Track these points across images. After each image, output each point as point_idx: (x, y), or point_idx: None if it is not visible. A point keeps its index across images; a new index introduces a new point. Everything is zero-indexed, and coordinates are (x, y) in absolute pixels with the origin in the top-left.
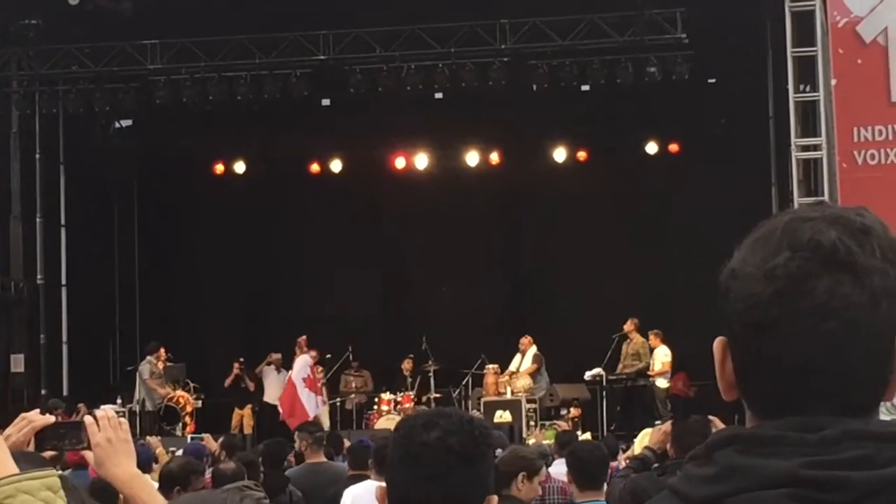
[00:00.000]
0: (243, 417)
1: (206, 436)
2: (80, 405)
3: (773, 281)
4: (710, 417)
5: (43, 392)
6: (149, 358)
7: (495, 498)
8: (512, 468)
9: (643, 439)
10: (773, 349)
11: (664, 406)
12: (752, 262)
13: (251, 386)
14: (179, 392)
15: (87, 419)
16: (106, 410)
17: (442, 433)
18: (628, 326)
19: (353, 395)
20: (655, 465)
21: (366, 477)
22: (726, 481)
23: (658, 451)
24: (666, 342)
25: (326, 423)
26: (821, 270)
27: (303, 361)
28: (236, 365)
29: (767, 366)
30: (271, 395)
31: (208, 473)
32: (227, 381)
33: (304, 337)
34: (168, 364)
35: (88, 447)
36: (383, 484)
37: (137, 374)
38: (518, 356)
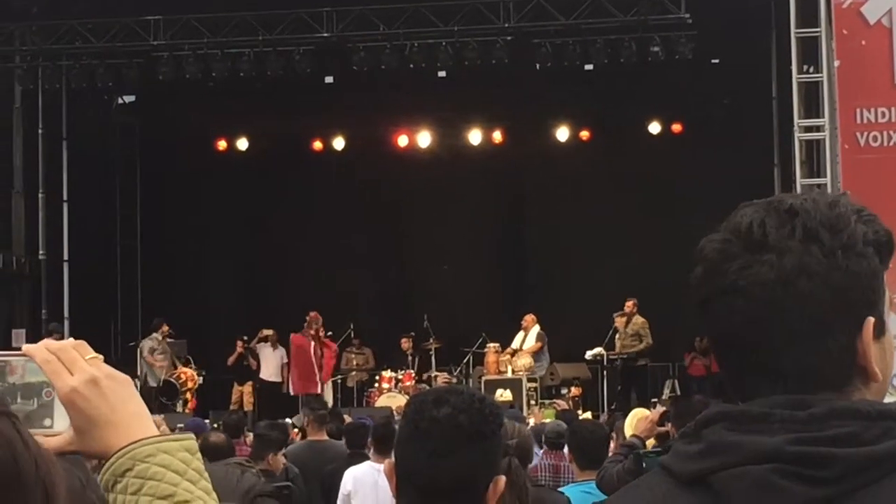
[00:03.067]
0: (243, 394)
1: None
2: None
3: (703, 262)
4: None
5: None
6: (153, 334)
7: (503, 479)
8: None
9: (633, 419)
10: (711, 328)
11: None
12: (702, 244)
13: (253, 364)
14: (182, 369)
15: (26, 347)
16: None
17: (452, 410)
18: (628, 306)
19: (353, 373)
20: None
21: (365, 457)
22: (713, 457)
23: (645, 439)
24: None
25: (331, 401)
26: (739, 251)
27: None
28: (240, 343)
29: (715, 344)
30: (267, 372)
31: None
32: (231, 360)
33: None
34: (169, 340)
35: None
36: (391, 459)
37: (138, 350)
38: (521, 333)
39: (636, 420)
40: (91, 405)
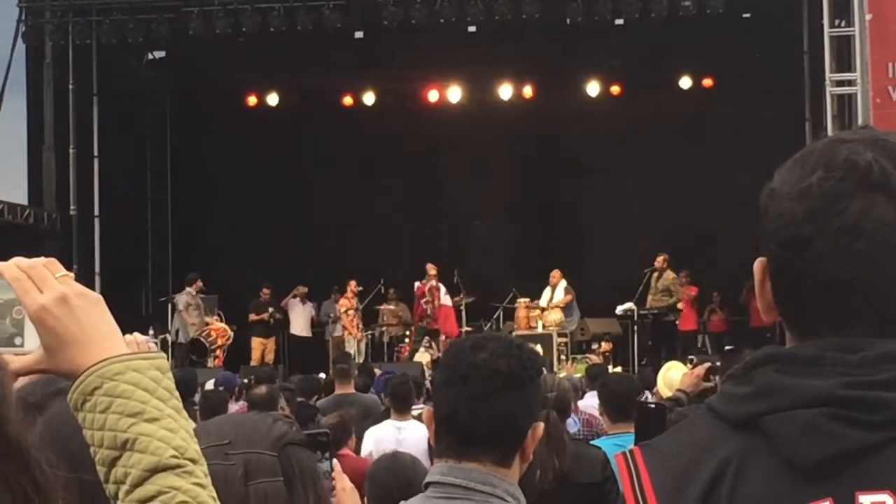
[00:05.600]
0: (265, 349)
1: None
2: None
3: (807, 200)
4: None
5: None
6: (187, 289)
7: (541, 425)
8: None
9: (666, 373)
10: (807, 268)
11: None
12: (789, 181)
13: (266, 316)
14: (214, 325)
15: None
16: (136, 335)
17: (489, 355)
18: (659, 262)
19: (386, 328)
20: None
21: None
22: (764, 399)
23: (691, 394)
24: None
25: (361, 355)
26: (854, 190)
27: None
28: (266, 290)
29: (802, 285)
30: (298, 327)
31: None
32: (257, 316)
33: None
34: (202, 296)
35: None
36: (430, 407)
37: (172, 305)
38: (548, 289)
39: (679, 374)
40: (60, 323)
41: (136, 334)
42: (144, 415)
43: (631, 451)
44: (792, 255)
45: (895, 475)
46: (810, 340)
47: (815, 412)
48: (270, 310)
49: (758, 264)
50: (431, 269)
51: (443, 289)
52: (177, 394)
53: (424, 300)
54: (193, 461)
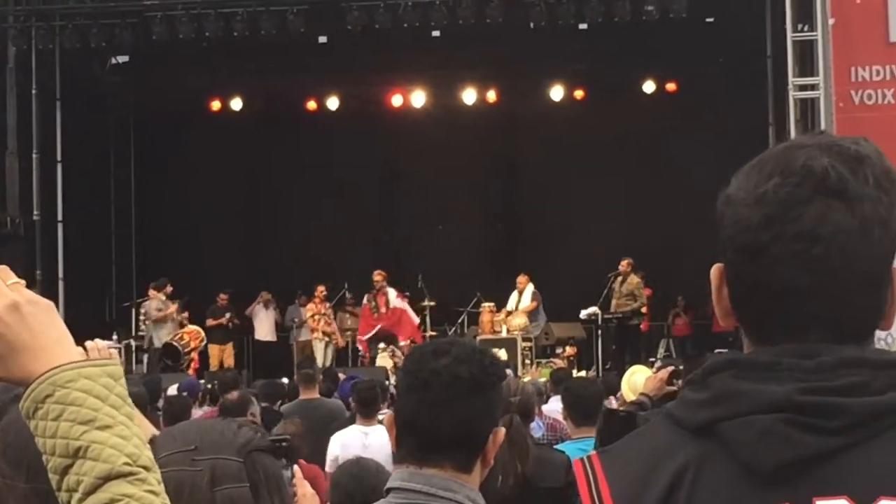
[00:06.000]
0: (224, 354)
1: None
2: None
3: (764, 206)
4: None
5: None
6: (158, 294)
7: (502, 431)
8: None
9: (630, 377)
10: (764, 274)
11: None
12: (746, 187)
13: (224, 321)
14: (187, 329)
15: None
16: (97, 342)
17: (451, 360)
18: (623, 266)
19: (348, 332)
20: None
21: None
22: (722, 405)
23: (654, 398)
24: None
25: (328, 360)
26: (811, 196)
27: None
28: (222, 296)
29: (760, 291)
30: (262, 332)
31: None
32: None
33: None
34: (168, 300)
35: None
36: (391, 412)
37: (142, 311)
38: (515, 294)
39: (643, 378)
40: (11, 331)
41: (97, 340)
42: (97, 422)
43: (589, 457)
44: (748, 261)
45: (852, 480)
46: (767, 346)
47: (773, 418)
48: (228, 314)
49: (714, 270)
50: (377, 275)
51: (392, 292)
52: (129, 401)
53: (371, 306)
54: (146, 468)
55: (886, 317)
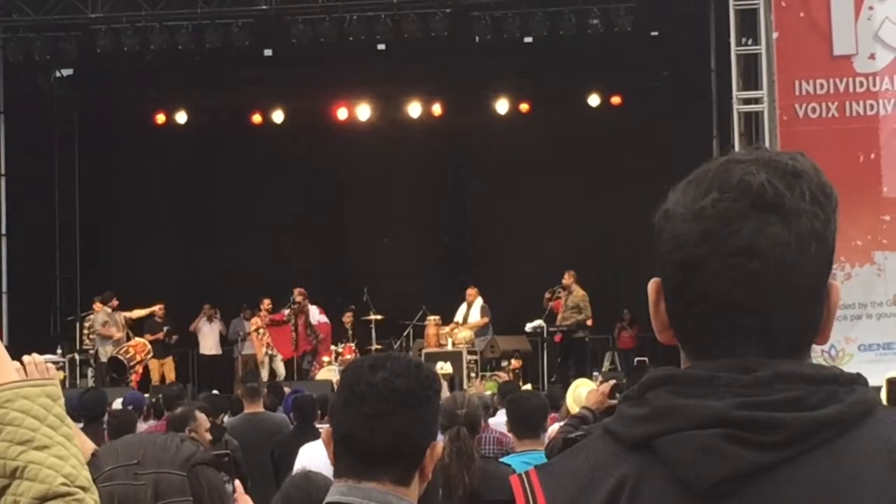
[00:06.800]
0: (164, 369)
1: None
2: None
3: (701, 221)
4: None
5: None
6: (104, 307)
7: (440, 444)
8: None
9: (575, 391)
10: (701, 288)
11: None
12: (683, 202)
13: (162, 335)
14: (132, 342)
15: None
16: (34, 357)
17: (388, 374)
18: (567, 279)
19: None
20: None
21: (313, 430)
22: (659, 421)
23: (597, 411)
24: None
25: (265, 374)
26: (749, 211)
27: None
28: (158, 308)
29: (697, 305)
30: (207, 346)
31: (147, 423)
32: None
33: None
34: (116, 313)
35: None
36: (329, 427)
37: (87, 325)
38: (464, 306)
39: (587, 392)
40: None
41: (34, 355)
42: (34, 442)
43: (527, 473)
44: (686, 276)
45: (790, 495)
46: (704, 361)
47: (710, 433)
48: (166, 328)
49: (652, 284)
50: (298, 294)
51: (313, 309)
52: (68, 421)
53: (291, 324)
54: (84, 489)
55: (823, 331)
